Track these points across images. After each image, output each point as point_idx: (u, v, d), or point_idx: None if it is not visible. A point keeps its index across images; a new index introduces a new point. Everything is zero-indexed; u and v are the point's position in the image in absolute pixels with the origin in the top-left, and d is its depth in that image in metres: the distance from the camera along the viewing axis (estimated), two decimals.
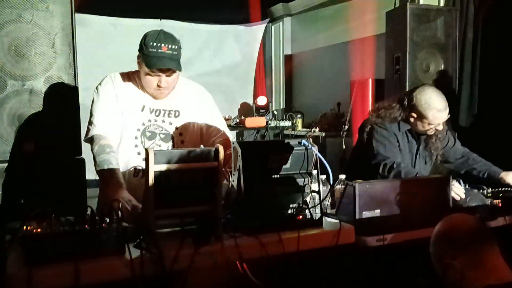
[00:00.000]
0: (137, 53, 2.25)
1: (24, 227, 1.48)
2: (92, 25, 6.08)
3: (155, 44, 2.15)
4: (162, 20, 6.44)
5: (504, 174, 2.65)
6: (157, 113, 2.33)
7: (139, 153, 2.29)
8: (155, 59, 2.15)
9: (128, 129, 2.28)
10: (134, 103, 2.30)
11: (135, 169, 2.27)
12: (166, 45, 2.16)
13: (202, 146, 2.45)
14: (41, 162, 2.46)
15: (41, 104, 2.60)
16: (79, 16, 5.97)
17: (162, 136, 2.33)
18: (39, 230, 1.46)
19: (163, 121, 2.34)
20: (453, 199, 2.27)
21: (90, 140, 2.20)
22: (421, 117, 2.59)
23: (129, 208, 1.73)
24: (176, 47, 2.20)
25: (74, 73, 2.74)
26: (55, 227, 1.49)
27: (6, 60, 2.56)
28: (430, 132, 2.67)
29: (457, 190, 2.30)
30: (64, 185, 2.43)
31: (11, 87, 2.58)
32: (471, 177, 2.70)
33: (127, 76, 2.34)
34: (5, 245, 1.58)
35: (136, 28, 6.20)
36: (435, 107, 2.56)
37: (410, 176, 2.43)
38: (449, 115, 2.62)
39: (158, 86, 2.23)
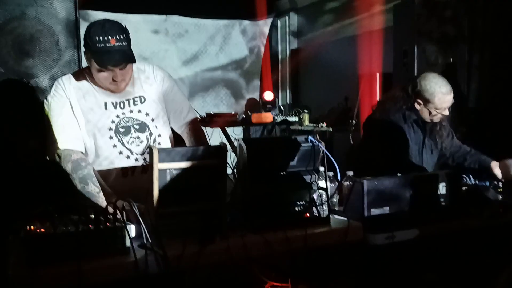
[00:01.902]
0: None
1: (27, 227, 1.46)
2: None
3: (101, 38, 1.94)
4: (168, 16, 6.43)
5: (493, 164, 2.62)
6: (122, 105, 2.16)
7: (120, 152, 2.14)
8: (105, 56, 1.96)
9: (100, 131, 2.12)
10: (94, 103, 2.12)
11: (123, 169, 2.14)
12: (114, 36, 1.95)
13: (172, 128, 2.36)
14: (44, 160, 2.45)
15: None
16: (84, 12, 5.99)
17: (136, 127, 2.17)
18: (42, 230, 1.44)
19: (131, 111, 2.17)
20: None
21: (57, 157, 2.03)
22: (427, 102, 2.59)
23: (135, 209, 1.65)
24: (124, 36, 1.99)
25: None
26: (58, 227, 1.47)
27: (10, 57, 2.56)
28: (436, 119, 2.65)
29: None
30: (67, 184, 2.42)
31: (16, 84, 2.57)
32: (462, 167, 2.68)
33: (78, 76, 2.15)
34: (8, 245, 1.57)
35: (142, 24, 6.18)
36: (440, 91, 2.56)
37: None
38: (453, 100, 2.61)
39: (114, 80, 2.05)
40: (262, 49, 7.27)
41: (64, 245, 1.44)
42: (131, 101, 2.18)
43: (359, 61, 5.37)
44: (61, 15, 2.66)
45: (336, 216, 1.98)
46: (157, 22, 6.39)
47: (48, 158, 2.10)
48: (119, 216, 1.56)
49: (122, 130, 2.15)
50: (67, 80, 2.13)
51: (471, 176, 2.42)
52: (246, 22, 7.08)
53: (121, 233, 1.51)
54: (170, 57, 6.45)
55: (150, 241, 1.53)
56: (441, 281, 2.09)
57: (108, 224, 1.51)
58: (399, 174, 2.09)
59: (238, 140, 1.81)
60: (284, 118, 6.02)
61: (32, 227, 1.46)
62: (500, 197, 2.31)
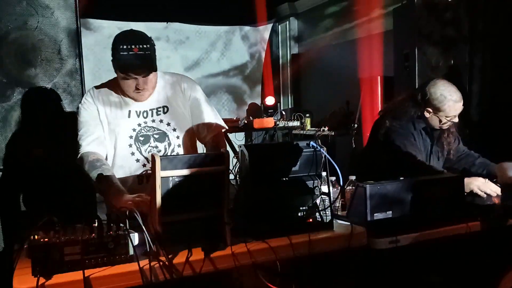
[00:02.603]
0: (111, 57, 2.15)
1: (31, 236, 1.46)
2: (99, 29, 6.11)
3: (125, 46, 2.03)
4: (169, 23, 6.46)
5: (496, 168, 2.61)
6: (145, 114, 2.24)
7: (137, 160, 2.20)
8: (126, 62, 2.04)
9: (121, 138, 2.20)
10: (119, 111, 2.22)
11: (139, 176, 2.20)
12: (137, 45, 2.04)
13: (197, 140, 2.38)
14: (49, 169, 2.46)
15: (49, 111, 2.60)
16: (86, 21, 6.03)
17: (156, 136, 2.23)
18: (46, 239, 1.45)
19: (153, 121, 2.25)
20: (476, 197, 2.28)
21: (79, 159, 2.13)
22: (438, 110, 2.58)
23: (138, 217, 1.64)
24: (148, 45, 2.08)
25: (81, 78, 2.74)
26: (62, 236, 1.47)
27: (13, 67, 2.57)
28: (446, 126, 2.65)
29: (494, 188, 2.31)
30: (72, 192, 2.42)
31: (18, 94, 2.59)
32: (469, 173, 2.68)
33: (107, 85, 2.26)
34: (13, 255, 1.57)
35: (144, 31, 6.22)
36: (451, 99, 2.55)
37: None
38: (463, 107, 2.60)
39: (137, 88, 2.13)
40: (263, 55, 7.29)
41: (68, 254, 1.44)
42: (154, 111, 2.26)
43: (360, 65, 5.38)
44: (62, 24, 2.67)
45: (339, 221, 1.98)
46: (158, 30, 6.42)
47: (75, 161, 2.18)
48: (122, 224, 1.56)
49: (141, 138, 2.22)
50: (97, 89, 2.25)
51: None
52: (247, 28, 7.11)
53: (124, 241, 1.51)
54: (172, 64, 6.48)
55: (153, 249, 1.54)
56: (445, 283, 2.09)
57: (111, 232, 1.51)
58: (401, 178, 2.08)
59: (240, 146, 1.82)
60: (286, 123, 6.04)
61: (36, 236, 1.46)
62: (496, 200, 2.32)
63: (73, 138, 2.44)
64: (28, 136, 2.57)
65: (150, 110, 2.25)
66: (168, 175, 1.59)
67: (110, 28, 6.17)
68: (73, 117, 2.58)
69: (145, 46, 2.06)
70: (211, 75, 6.88)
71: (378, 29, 5.27)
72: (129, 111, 2.23)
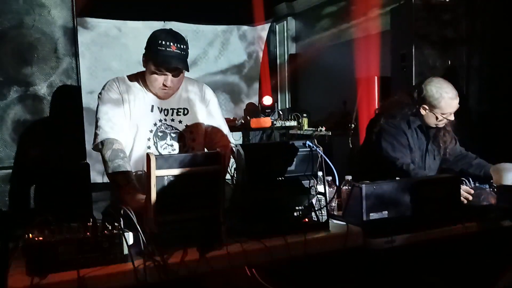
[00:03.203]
0: (143, 51, 2.22)
1: (26, 235, 1.46)
2: (97, 28, 6.10)
3: (164, 42, 2.13)
4: (166, 22, 6.44)
5: (491, 169, 2.61)
6: (166, 112, 2.31)
7: None
8: (163, 58, 2.12)
9: (141, 131, 2.26)
10: (142, 104, 2.27)
11: None
12: (175, 44, 2.14)
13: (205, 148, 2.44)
14: (45, 168, 2.45)
15: (45, 110, 2.59)
16: (83, 20, 6.02)
17: (173, 135, 2.31)
18: (40, 238, 1.44)
19: (173, 120, 2.32)
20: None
21: (100, 145, 2.16)
22: (433, 107, 2.57)
23: (133, 217, 1.67)
24: (184, 46, 2.19)
25: (77, 77, 2.72)
26: (57, 235, 1.47)
27: (9, 66, 2.55)
28: (442, 124, 2.64)
29: (465, 194, 2.28)
30: (69, 191, 2.41)
31: (14, 93, 2.57)
32: (466, 173, 2.68)
33: (131, 78, 2.31)
34: (7, 254, 1.57)
35: (141, 30, 6.21)
36: (447, 96, 2.55)
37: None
38: (458, 105, 2.60)
39: (164, 85, 2.20)
40: (261, 54, 7.28)
41: (62, 253, 1.44)
42: (175, 111, 2.33)
43: (357, 65, 5.38)
44: (59, 23, 2.65)
45: (335, 221, 1.98)
46: (155, 29, 6.39)
47: (92, 148, 2.22)
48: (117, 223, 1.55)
49: (160, 134, 2.29)
50: (121, 80, 2.30)
51: (470, 180, 2.42)
52: (245, 28, 7.10)
53: (118, 240, 1.50)
54: None
55: (148, 248, 1.53)
56: (441, 284, 2.09)
57: (105, 231, 1.51)
58: (397, 178, 2.08)
59: (236, 146, 1.82)
60: (283, 123, 6.04)
61: (30, 235, 1.46)
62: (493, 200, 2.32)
63: (71, 137, 2.44)
64: (25, 135, 2.56)
65: (171, 109, 2.32)
66: (164, 174, 1.59)
67: (108, 27, 6.16)
68: (71, 116, 2.58)
69: (182, 46, 2.17)
70: (208, 74, 6.86)
71: (375, 29, 5.28)
72: (152, 105, 2.29)
